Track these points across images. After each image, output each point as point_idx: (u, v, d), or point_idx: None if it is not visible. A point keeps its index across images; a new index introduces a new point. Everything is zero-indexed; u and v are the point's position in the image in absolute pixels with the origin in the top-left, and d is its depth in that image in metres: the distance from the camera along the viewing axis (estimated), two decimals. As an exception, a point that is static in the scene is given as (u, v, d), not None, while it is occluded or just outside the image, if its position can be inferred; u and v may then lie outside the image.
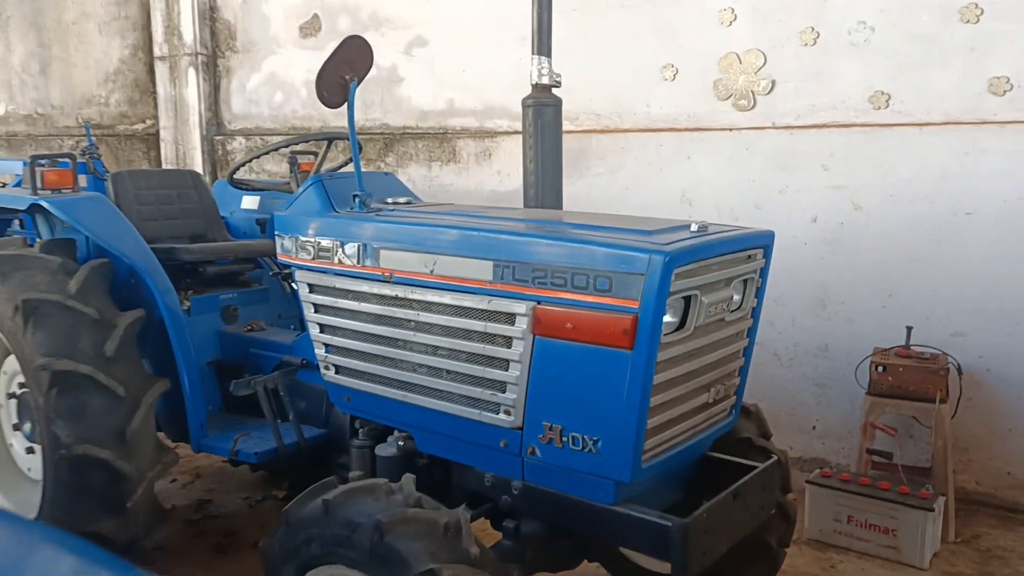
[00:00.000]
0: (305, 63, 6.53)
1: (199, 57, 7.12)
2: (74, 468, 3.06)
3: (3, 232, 4.25)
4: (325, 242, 2.95)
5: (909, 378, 4.04)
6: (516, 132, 5.61)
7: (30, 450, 3.53)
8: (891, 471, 4.05)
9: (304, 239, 3.03)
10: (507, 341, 2.50)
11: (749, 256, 2.61)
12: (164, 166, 7.38)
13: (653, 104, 5.10)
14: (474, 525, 2.32)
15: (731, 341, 2.65)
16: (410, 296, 2.72)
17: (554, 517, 2.57)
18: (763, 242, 2.67)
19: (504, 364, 2.52)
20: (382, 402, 2.91)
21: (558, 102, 3.10)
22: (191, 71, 7.18)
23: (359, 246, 2.84)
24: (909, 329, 4.24)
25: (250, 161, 3.43)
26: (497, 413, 2.56)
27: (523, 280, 2.45)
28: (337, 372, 3.05)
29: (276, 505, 4.45)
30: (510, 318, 2.48)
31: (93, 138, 4.95)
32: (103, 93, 7.49)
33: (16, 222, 4.53)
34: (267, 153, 3.43)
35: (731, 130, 4.86)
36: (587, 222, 2.64)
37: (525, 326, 2.44)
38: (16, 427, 3.61)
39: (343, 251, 2.89)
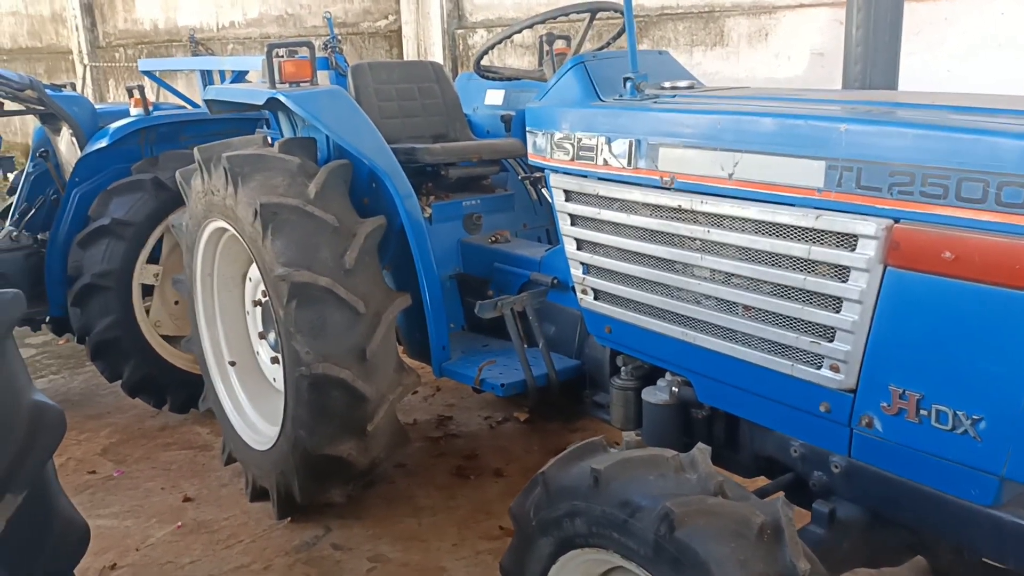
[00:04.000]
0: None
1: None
2: (314, 387, 2.87)
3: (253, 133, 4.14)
4: (586, 138, 2.42)
5: None
6: (802, 6, 4.67)
7: (275, 360, 3.43)
8: None
9: (560, 135, 2.51)
10: (842, 272, 1.82)
11: None
12: (405, 63, 7.17)
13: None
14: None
15: None
16: (698, 207, 2.11)
17: (892, 509, 1.91)
18: None
19: (835, 303, 1.85)
20: (653, 338, 2.37)
21: (902, -54, 2.30)
22: (434, -41, 6.81)
23: (630, 142, 2.27)
24: None
25: (502, 41, 2.93)
26: (819, 368, 1.91)
27: (873, 188, 1.74)
28: (596, 298, 2.55)
29: (517, 428, 4.17)
30: (849, 241, 1.79)
31: (336, 33, 4.73)
32: (347, -11, 7.37)
33: (264, 123, 4.44)
34: (520, 31, 2.91)
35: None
36: (968, 103, 1.83)
37: (873, 253, 1.75)
38: (262, 335, 3.53)
39: (609, 149, 2.34)
